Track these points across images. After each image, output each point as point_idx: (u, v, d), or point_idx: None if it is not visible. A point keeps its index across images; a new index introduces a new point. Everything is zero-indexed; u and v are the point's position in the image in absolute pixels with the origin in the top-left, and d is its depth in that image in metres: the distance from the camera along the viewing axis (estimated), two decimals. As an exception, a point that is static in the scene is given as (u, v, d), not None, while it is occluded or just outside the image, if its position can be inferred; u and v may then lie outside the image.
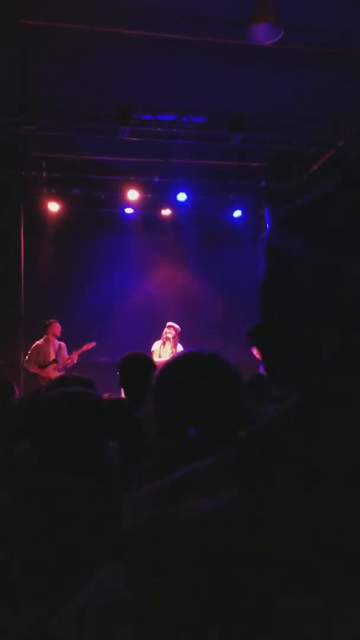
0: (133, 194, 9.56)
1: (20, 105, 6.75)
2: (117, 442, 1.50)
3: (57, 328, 8.27)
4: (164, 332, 8.27)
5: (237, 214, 10.52)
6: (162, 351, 8.17)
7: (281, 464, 0.54)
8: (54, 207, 9.66)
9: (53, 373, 7.82)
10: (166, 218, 10.35)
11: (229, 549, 0.51)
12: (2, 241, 8.98)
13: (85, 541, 1.18)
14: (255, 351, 8.66)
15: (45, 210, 9.66)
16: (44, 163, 8.88)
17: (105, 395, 6.84)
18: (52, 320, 8.28)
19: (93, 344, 8.34)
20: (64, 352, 8.29)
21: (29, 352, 8.18)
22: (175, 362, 1.24)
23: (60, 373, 7.71)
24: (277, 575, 0.49)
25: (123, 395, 3.37)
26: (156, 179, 9.48)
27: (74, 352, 8.29)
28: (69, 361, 8.22)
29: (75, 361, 8.28)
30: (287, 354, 0.58)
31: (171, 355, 8.01)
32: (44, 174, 9.03)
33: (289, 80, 6.77)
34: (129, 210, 10.08)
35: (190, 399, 1.13)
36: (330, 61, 6.37)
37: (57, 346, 8.27)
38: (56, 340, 8.29)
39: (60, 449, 1.31)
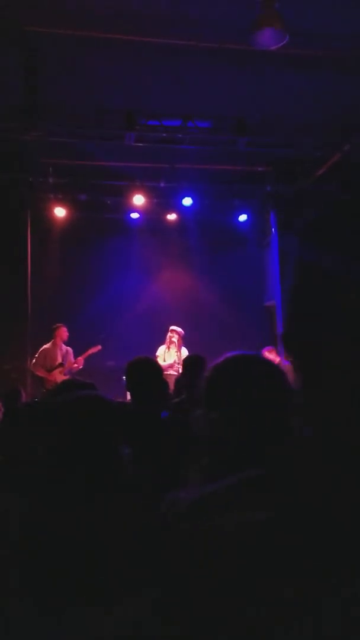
0: (139, 199, 9.60)
1: (28, 111, 6.80)
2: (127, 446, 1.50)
3: (64, 332, 8.31)
4: (167, 337, 8.28)
5: (243, 218, 10.53)
6: (167, 355, 8.18)
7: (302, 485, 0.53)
8: (60, 212, 9.70)
9: (59, 377, 7.84)
10: (172, 223, 10.37)
11: (272, 560, 0.51)
12: (9, 246, 9.03)
13: (98, 545, 1.18)
14: (267, 354, 8.64)
15: (51, 215, 9.71)
16: (50, 168, 8.93)
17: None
18: (59, 324, 8.32)
19: (98, 347, 8.37)
20: (71, 357, 8.32)
21: (36, 355, 8.21)
22: (228, 365, 1.22)
23: (66, 377, 7.72)
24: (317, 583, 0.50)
25: (129, 399, 3.38)
26: (162, 184, 9.50)
27: (79, 357, 8.32)
28: (75, 365, 8.25)
29: (82, 365, 8.31)
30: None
31: (175, 359, 8.01)
32: (51, 180, 9.08)
33: (294, 84, 6.78)
34: (134, 215, 10.11)
35: (249, 402, 1.11)
36: (335, 65, 6.38)
37: (64, 351, 8.30)
38: (63, 344, 8.32)
39: (74, 453, 1.31)
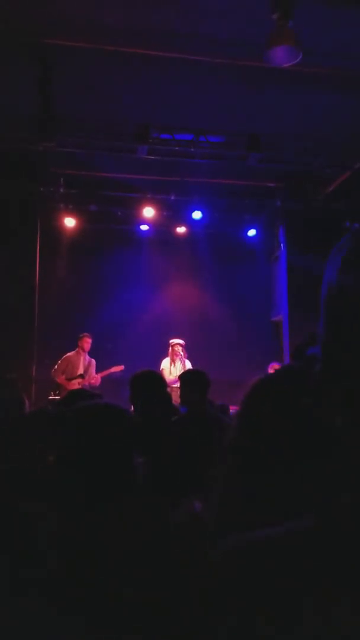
0: (149, 211, 9.64)
1: (41, 122, 6.86)
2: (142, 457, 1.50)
3: (87, 342, 8.29)
4: (172, 350, 8.23)
5: (252, 233, 10.55)
6: (172, 368, 8.14)
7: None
8: (70, 222, 9.75)
9: (77, 387, 7.76)
10: (181, 235, 10.40)
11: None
12: (18, 255, 9.06)
13: (110, 551, 1.19)
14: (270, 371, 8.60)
15: (61, 225, 9.76)
16: (61, 179, 8.99)
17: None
18: (84, 334, 8.32)
19: (121, 367, 8.24)
20: (92, 370, 8.27)
21: (59, 361, 8.19)
22: None
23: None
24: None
25: (132, 411, 3.37)
26: (172, 197, 9.55)
27: (99, 373, 8.26)
28: (93, 381, 8.18)
29: (99, 383, 8.20)
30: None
31: (182, 372, 7.96)
32: (62, 190, 9.14)
33: (307, 102, 6.82)
34: (144, 227, 10.15)
35: None
36: (348, 83, 6.41)
37: (87, 361, 8.27)
38: (87, 355, 8.30)
39: (89, 462, 1.31)
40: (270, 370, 8.56)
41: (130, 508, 1.27)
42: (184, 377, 4.06)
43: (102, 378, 8.28)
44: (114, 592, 1.12)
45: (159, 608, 1.09)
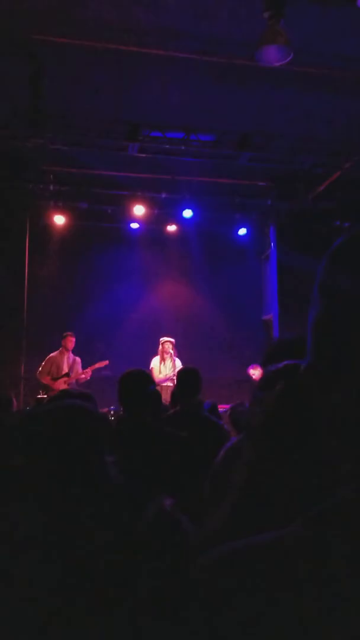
0: (139, 209, 9.61)
1: (31, 119, 6.82)
2: (114, 456, 1.49)
3: (70, 342, 8.25)
4: (162, 348, 8.23)
5: (242, 231, 10.56)
6: (162, 367, 8.13)
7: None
8: (59, 219, 9.69)
9: (63, 386, 7.75)
10: (171, 234, 10.39)
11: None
12: (6, 252, 9.02)
13: (84, 549, 1.18)
14: (252, 372, 8.62)
15: (51, 223, 9.70)
16: (51, 176, 8.95)
17: (104, 410, 6.80)
18: (67, 333, 8.28)
19: (106, 362, 8.25)
20: (78, 367, 8.24)
21: (43, 363, 8.15)
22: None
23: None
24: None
25: (122, 410, 3.36)
26: (163, 195, 9.54)
27: (86, 369, 8.24)
28: (83, 376, 8.16)
29: (89, 377, 8.20)
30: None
31: (172, 370, 7.96)
32: (51, 187, 9.09)
33: (298, 101, 6.83)
34: (134, 225, 10.12)
35: None
36: (339, 83, 6.43)
37: (72, 360, 8.23)
38: (72, 354, 8.26)
39: (56, 463, 1.31)
40: (250, 373, 8.59)
41: (102, 507, 1.27)
42: (182, 375, 4.09)
43: (90, 375, 8.27)
44: (88, 590, 1.12)
45: (133, 609, 1.09)
